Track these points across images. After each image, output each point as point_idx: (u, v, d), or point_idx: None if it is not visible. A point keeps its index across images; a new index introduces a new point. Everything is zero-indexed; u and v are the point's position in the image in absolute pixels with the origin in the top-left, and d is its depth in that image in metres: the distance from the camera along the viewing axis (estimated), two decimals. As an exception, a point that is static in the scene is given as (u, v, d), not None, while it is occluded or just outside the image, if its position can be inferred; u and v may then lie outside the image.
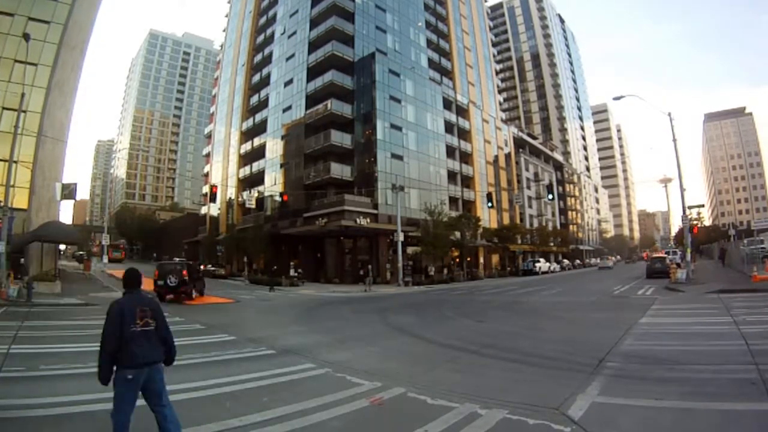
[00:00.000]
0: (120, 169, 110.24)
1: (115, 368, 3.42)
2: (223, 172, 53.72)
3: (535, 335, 9.77)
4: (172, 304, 16.70)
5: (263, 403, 4.98)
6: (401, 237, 30.22)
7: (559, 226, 69.23)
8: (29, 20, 26.66)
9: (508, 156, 57.50)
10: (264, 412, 4.62)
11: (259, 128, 47.36)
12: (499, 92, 67.10)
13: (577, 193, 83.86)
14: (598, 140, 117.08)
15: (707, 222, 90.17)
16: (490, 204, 31.20)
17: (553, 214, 70.66)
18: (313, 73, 39.76)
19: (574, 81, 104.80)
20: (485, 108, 54.53)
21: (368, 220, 32.66)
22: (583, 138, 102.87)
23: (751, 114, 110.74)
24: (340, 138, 36.81)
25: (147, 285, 25.59)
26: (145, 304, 3.61)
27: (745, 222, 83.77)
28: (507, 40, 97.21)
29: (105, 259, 41.12)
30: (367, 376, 6.20)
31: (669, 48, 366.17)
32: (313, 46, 40.28)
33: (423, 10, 48.43)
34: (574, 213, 79.83)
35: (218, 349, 8.57)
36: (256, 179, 46.42)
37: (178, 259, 28.20)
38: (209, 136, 63.27)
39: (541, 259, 49.49)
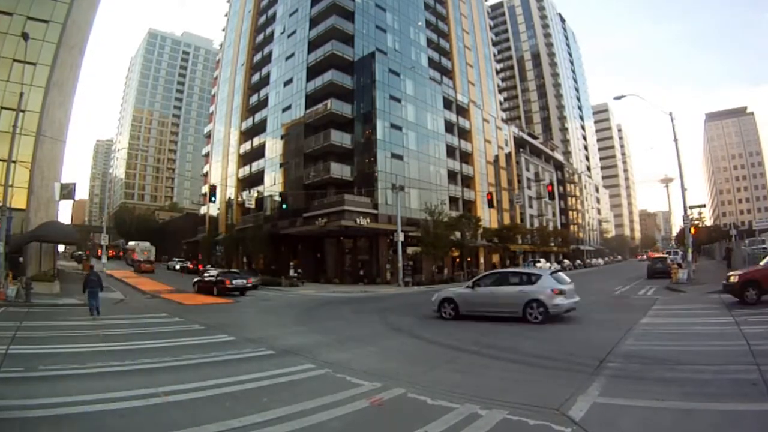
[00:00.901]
0: (119, 168, 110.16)
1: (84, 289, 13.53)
2: (222, 171, 53.67)
3: (535, 335, 9.74)
4: (172, 306, 16.65)
5: (263, 404, 4.97)
6: (401, 237, 30.17)
7: (559, 226, 69.14)
8: (28, 19, 26.63)
9: (508, 156, 57.43)
10: (264, 413, 4.61)
11: (259, 128, 47.29)
12: (500, 92, 67.02)
13: (577, 193, 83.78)
14: (598, 140, 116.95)
15: (708, 222, 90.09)
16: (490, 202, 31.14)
17: (554, 214, 70.59)
18: (312, 72, 39.68)
19: (575, 80, 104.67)
20: (485, 107, 54.45)
21: (368, 220, 32.62)
22: (584, 138, 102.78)
23: (752, 114, 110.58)
24: (339, 138, 36.75)
25: (150, 286, 25.39)
26: (93, 274, 13.93)
27: (746, 222, 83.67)
28: (507, 40, 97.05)
29: (104, 259, 41.03)
30: (367, 377, 6.19)
31: (669, 48, 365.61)
32: (312, 45, 40.19)
33: (423, 9, 48.33)
34: (574, 213, 79.75)
35: (218, 349, 8.57)
36: (256, 179, 46.34)
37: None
38: (209, 136, 63.19)
39: (542, 259, 49.39)
